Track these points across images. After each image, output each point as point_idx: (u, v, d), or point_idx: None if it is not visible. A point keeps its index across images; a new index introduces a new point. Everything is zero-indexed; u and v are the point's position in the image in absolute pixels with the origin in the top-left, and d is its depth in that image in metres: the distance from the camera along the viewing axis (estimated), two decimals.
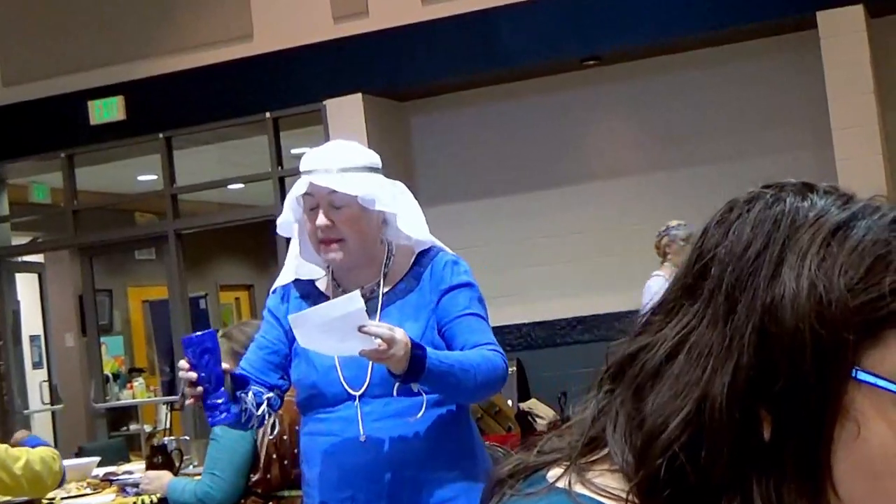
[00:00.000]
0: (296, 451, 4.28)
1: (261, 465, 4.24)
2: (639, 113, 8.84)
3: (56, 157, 9.99)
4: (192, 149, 10.00)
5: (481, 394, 2.97)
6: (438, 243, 3.14)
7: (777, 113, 8.41)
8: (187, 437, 6.88)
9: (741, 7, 8.02)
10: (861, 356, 0.84)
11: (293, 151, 10.36)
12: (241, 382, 2.92)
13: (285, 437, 4.25)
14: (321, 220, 2.96)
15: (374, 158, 3.05)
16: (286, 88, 9.14)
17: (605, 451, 0.92)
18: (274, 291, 3.20)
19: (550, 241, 8.75)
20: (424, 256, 3.07)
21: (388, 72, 8.90)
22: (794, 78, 8.31)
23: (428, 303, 2.99)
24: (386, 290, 3.03)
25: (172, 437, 6.15)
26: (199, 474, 4.45)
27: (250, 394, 2.94)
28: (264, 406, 2.97)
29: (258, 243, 12.80)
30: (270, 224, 9.59)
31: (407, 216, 3.06)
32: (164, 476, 4.71)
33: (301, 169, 3.02)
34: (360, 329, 2.69)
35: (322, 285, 3.11)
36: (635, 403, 0.90)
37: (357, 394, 2.91)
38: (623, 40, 8.39)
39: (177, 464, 5.19)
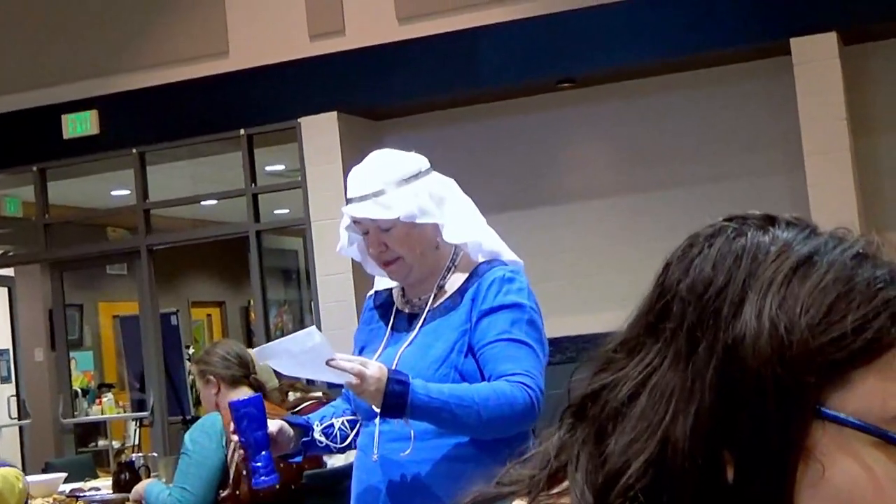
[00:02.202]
0: None
1: (230, 480, 4.22)
2: (614, 135, 8.87)
3: (28, 171, 9.94)
4: (165, 164, 9.98)
5: (492, 430, 2.70)
6: (502, 252, 2.98)
7: (750, 137, 8.45)
8: (156, 454, 6.85)
9: (716, 32, 8.07)
10: (825, 396, 0.83)
11: (267, 168, 10.36)
12: (306, 428, 2.97)
13: None
14: (373, 247, 2.89)
15: (411, 166, 2.89)
16: (261, 105, 9.13)
17: (566, 484, 0.91)
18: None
19: (524, 262, 8.75)
20: (477, 272, 2.90)
21: (364, 90, 8.90)
22: (767, 103, 8.36)
23: (463, 323, 2.82)
24: (435, 305, 2.89)
25: (140, 454, 6.10)
26: None
27: (340, 421, 2.99)
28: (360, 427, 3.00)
29: (231, 260, 12.77)
30: (244, 241, 9.64)
31: (455, 224, 2.89)
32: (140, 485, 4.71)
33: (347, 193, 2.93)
34: (327, 363, 2.65)
35: (396, 294, 3.02)
36: (597, 443, 0.88)
37: (378, 410, 2.79)
38: (599, 63, 8.43)
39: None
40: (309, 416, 3.09)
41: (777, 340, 0.83)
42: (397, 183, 2.85)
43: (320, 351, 2.67)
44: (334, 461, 4.82)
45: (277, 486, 3.39)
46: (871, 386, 0.83)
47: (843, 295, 0.84)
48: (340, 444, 3.00)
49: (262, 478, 2.83)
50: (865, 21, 7.95)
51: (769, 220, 0.91)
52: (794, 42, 7.90)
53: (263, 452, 2.84)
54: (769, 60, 8.25)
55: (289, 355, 2.76)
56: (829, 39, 7.87)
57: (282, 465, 3.21)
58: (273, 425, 2.87)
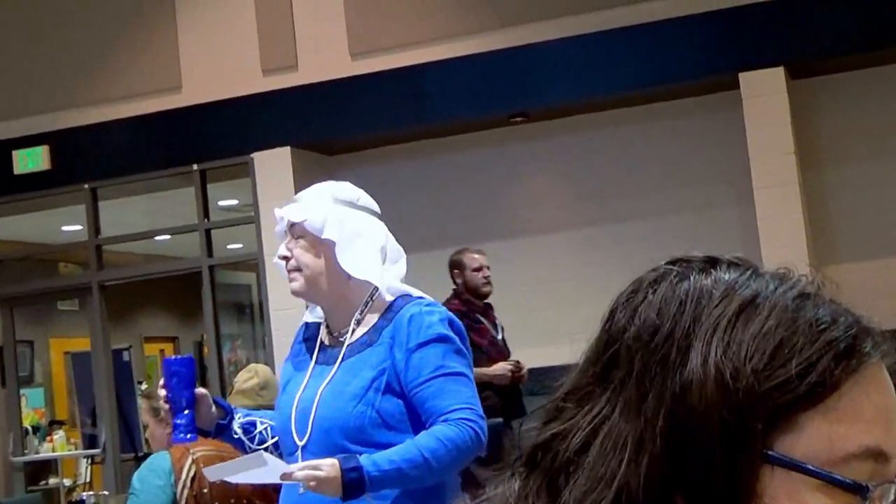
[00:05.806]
0: (216, 503, 4.24)
1: None
2: (565, 169, 8.93)
3: None
4: (118, 199, 9.93)
5: (447, 473, 2.79)
6: (410, 290, 2.98)
7: (700, 171, 8.53)
8: (107, 493, 6.78)
9: (666, 67, 8.16)
10: (772, 441, 0.83)
11: (220, 203, 10.33)
12: (227, 413, 3.06)
13: (205, 491, 4.20)
14: (280, 249, 2.99)
15: (347, 194, 2.99)
16: (214, 141, 9.12)
17: None
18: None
19: None
20: (392, 307, 2.92)
21: (317, 126, 8.92)
22: (716, 137, 8.45)
23: (381, 361, 2.84)
24: (352, 340, 2.92)
25: (91, 493, 6.04)
26: None
27: (264, 426, 3.07)
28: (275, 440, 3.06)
29: (184, 295, 12.67)
30: (197, 276, 9.59)
31: (352, 250, 2.91)
32: None
33: None
34: (282, 479, 2.71)
35: (322, 328, 3.06)
36: (550, 494, 0.88)
37: (300, 444, 2.87)
38: (550, 98, 8.50)
39: None
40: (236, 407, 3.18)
41: (723, 387, 0.83)
42: (322, 199, 2.96)
43: (272, 468, 2.73)
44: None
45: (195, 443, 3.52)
46: (818, 428, 0.84)
47: (787, 339, 0.85)
48: (256, 445, 3.05)
49: (181, 435, 2.97)
50: (812, 56, 8.07)
51: (711, 263, 0.91)
52: (743, 76, 8.00)
53: (187, 412, 2.98)
54: (718, 95, 8.34)
55: (240, 473, 2.90)
56: (777, 74, 7.98)
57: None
58: (200, 391, 2.99)
